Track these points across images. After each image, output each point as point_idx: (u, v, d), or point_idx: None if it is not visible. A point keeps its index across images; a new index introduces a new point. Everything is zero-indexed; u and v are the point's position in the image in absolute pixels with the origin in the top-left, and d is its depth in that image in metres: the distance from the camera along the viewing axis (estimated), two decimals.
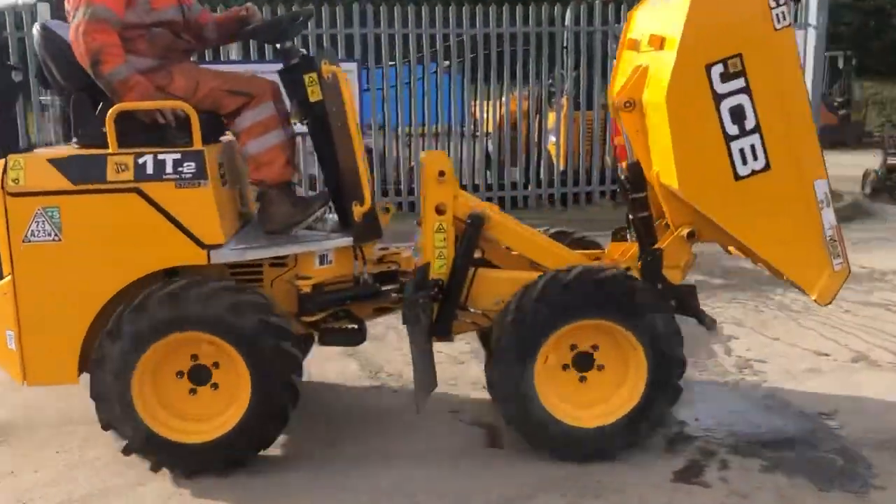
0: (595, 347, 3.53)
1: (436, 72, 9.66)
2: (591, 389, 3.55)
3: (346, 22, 9.19)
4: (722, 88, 3.28)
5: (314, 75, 3.47)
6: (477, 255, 3.86)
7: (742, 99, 3.30)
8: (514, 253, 3.84)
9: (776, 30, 3.26)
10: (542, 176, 9.95)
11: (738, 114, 3.31)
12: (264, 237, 3.57)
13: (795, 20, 9.91)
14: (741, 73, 3.27)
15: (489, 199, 9.70)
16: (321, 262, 3.63)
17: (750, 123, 3.32)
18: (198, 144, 3.30)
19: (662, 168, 3.52)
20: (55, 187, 3.21)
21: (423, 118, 9.68)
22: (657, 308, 3.44)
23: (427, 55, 9.57)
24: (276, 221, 3.58)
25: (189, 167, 3.26)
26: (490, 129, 10.02)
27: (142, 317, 3.19)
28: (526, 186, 9.96)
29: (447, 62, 9.64)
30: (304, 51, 3.69)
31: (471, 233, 3.64)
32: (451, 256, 3.64)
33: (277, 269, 3.62)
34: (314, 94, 3.48)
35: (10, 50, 8.36)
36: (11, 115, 3.82)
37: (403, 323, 3.42)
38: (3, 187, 3.19)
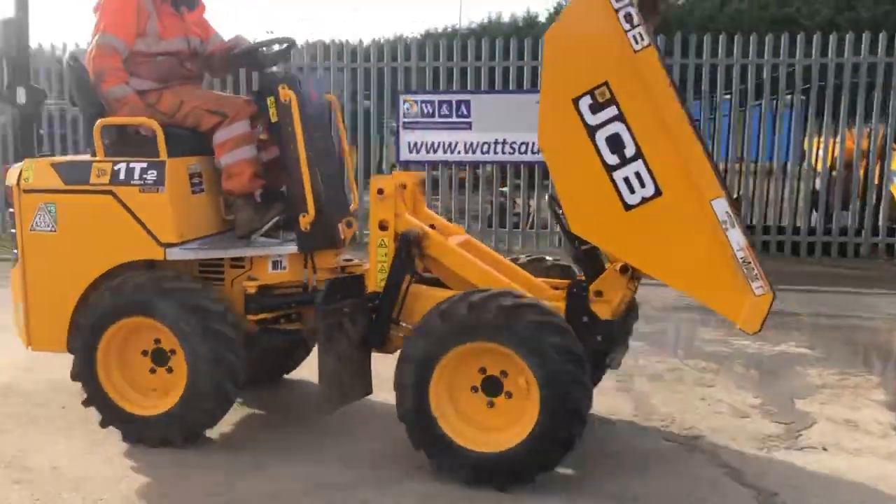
0: (504, 374, 3.38)
1: (762, 105, 8.84)
2: (499, 415, 3.41)
3: (685, 52, 8.94)
4: (594, 120, 3.21)
5: (272, 99, 3.79)
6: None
7: (618, 127, 3.19)
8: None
9: (636, 52, 3.14)
10: (881, 223, 8.39)
11: (616, 142, 3.20)
12: (232, 242, 3.95)
13: None
14: (611, 101, 3.18)
15: (812, 245, 8.50)
16: (274, 267, 3.96)
17: (630, 150, 3.19)
18: (162, 155, 3.80)
19: None
20: (53, 186, 3.89)
21: (753, 153, 9.12)
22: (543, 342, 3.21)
23: (751, 87, 8.77)
24: (241, 227, 3.96)
25: (151, 175, 3.78)
26: (819, 168, 8.74)
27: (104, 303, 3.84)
28: (859, 233, 8.40)
29: (774, 96, 8.92)
30: (282, 75, 4.01)
31: (401, 249, 3.56)
32: None
33: (236, 271, 4.01)
34: (273, 116, 3.82)
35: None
36: (33, 128, 4.55)
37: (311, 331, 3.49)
38: (18, 185, 3.93)
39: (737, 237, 3.02)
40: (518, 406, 3.33)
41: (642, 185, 3.16)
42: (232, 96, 4.28)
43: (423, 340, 3.36)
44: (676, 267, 3.19)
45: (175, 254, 3.80)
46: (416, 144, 9.42)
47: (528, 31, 15.30)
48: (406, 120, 9.39)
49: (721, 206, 3.03)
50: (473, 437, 3.38)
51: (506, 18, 32.60)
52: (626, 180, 3.18)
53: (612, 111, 3.17)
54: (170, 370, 3.87)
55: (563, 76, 3.23)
